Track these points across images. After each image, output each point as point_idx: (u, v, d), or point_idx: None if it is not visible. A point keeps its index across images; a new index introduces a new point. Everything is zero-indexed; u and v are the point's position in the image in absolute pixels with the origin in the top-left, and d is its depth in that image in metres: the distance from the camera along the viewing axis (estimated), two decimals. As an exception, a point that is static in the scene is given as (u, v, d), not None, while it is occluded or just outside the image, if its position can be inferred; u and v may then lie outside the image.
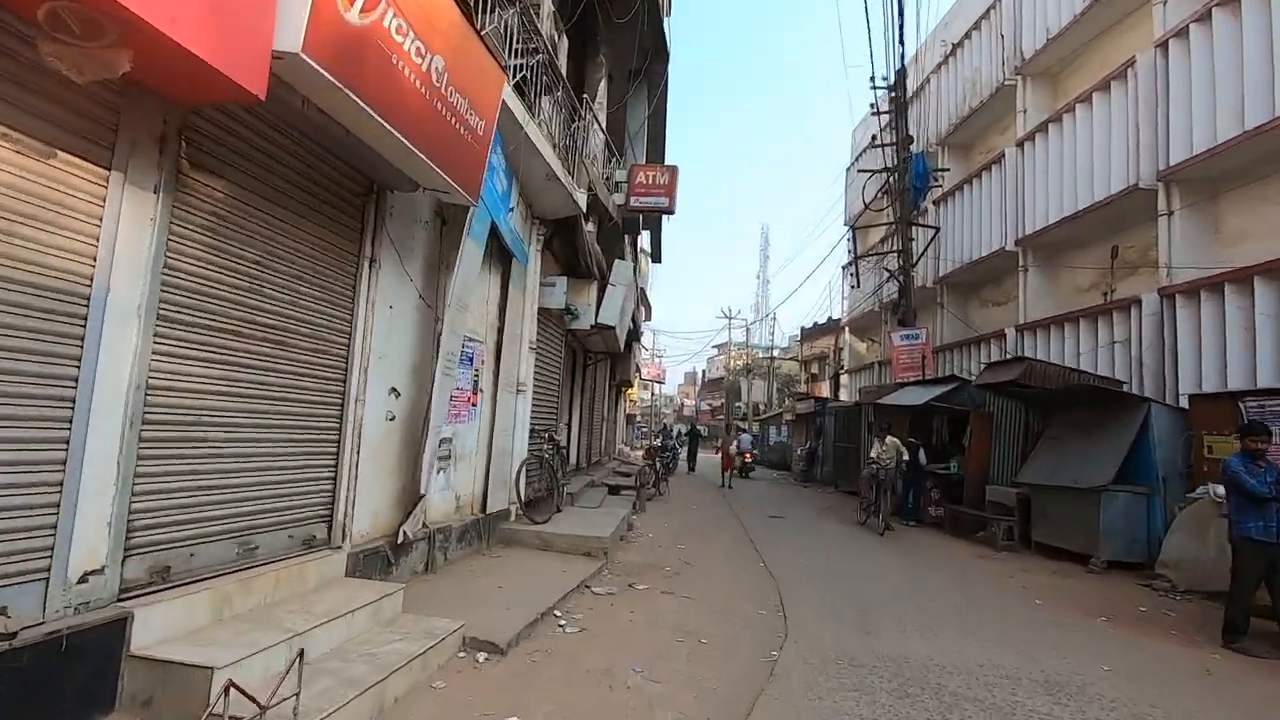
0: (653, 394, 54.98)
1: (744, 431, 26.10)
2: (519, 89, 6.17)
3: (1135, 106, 10.93)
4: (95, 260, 2.78)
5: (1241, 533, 5.37)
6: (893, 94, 15.99)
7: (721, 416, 46.50)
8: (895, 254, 16.30)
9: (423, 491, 5.26)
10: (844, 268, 24.76)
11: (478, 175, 4.83)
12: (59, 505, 2.67)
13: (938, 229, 16.47)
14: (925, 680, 4.17)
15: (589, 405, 14.47)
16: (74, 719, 2.65)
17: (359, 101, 3.26)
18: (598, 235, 10.38)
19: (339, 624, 3.66)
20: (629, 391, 30.55)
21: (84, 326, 2.75)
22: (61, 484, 2.68)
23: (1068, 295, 13.39)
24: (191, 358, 3.31)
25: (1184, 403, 9.05)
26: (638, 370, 28.21)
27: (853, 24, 35.85)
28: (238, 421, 3.63)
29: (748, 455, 22.32)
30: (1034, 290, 13.82)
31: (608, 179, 10.58)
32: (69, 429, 2.71)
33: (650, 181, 10.71)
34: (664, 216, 19.19)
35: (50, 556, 2.65)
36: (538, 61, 6.67)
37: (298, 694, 2.69)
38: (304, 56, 2.87)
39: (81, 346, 2.74)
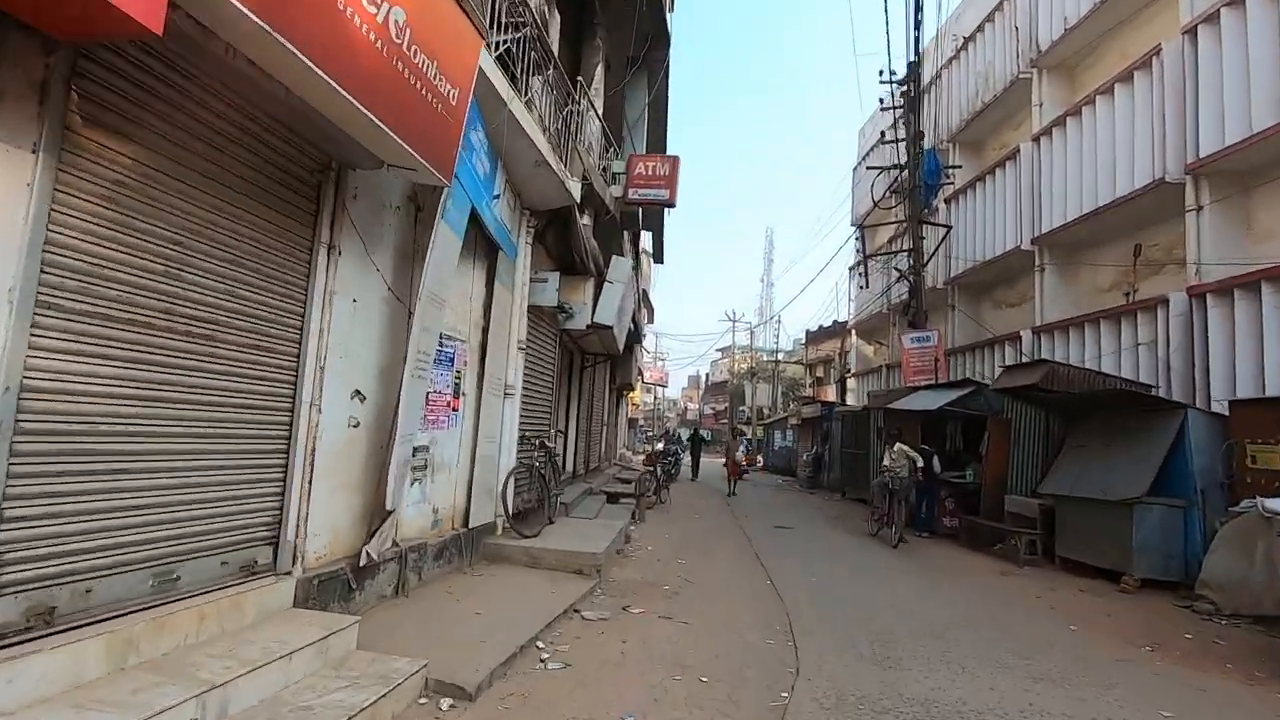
0: (655, 398, 54.41)
1: (742, 436, 26.37)
2: (504, 63, 5.63)
3: (1161, 97, 10.39)
4: (-53, 231, 2.23)
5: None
6: (904, 88, 15.47)
7: (725, 421, 46.01)
8: (905, 253, 15.76)
9: (390, 507, 4.68)
10: (851, 268, 24.17)
11: (450, 151, 4.29)
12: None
13: (950, 227, 15.94)
14: (961, 731, 3.61)
15: (587, 409, 13.90)
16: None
17: (289, 46, 2.71)
18: (594, 229, 9.82)
19: (273, 669, 3.09)
20: (631, 395, 30.03)
21: (-70, 313, 2.20)
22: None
23: (1087, 295, 12.83)
24: (84, 354, 2.73)
25: (1217, 407, 8.50)
26: (640, 373, 27.65)
27: (863, 9, 35.10)
28: (152, 430, 3.05)
29: (744, 460, 22.99)
30: (1051, 290, 13.28)
31: (605, 170, 10.03)
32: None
33: (650, 172, 10.11)
34: (666, 215, 18.79)
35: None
36: (524, 35, 6.12)
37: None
38: (211, -18, 2.33)
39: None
